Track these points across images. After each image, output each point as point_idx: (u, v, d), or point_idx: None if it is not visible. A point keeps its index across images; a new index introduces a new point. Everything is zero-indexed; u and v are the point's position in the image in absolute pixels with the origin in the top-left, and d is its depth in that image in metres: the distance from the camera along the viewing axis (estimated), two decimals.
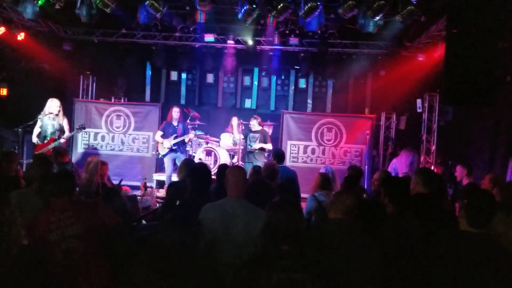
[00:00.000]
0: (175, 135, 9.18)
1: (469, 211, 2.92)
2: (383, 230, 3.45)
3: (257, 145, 8.96)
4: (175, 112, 9.31)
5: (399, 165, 8.68)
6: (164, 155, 9.30)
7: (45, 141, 8.30)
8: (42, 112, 8.36)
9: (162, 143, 9.27)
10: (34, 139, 8.38)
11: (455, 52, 6.60)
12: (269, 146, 9.07)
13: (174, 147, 9.18)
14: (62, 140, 8.37)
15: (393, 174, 8.61)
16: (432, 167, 9.52)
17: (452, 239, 2.97)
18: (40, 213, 3.36)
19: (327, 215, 3.36)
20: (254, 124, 9.10)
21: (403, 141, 10.86)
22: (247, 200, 3.50)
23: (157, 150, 9.70)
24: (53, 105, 8.28)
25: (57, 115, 8.34)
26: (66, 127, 8.56)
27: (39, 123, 8.28)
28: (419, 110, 10.61)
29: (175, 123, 9.28)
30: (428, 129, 10.43)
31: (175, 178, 9.13)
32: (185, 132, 9.29)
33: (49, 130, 8.29)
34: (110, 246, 3.30)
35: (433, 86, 10.18)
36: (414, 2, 6.81)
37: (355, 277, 3.00)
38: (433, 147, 10.24)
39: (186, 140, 9.37)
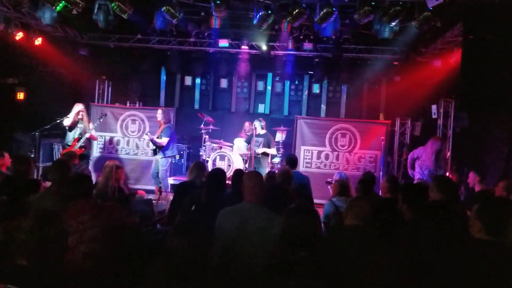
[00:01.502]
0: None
1: (485, 218, 2.88)
2: (400, 236, 3.43)
3: (259, 150, 8.95)
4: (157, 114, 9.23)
5: (424, 153, 8.36)
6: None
7: (70, 145, 8.41)
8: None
9: None
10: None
11: (472, 58, 6.56)
12: (272, 151, 9.07)
13: (152, 148, 9.20)
14: (87, 135, 8.46)
15: (410, 160, 8.48)
16: (447, 174, 9.42)
17: (468, 247, 2.94)
18: (62, 214, 3.39)
19: (344, 221, 3.35)
20: (257, 127, 9.06)
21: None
22: (264, 205, 3.51)
23: None
24: (73, 110, 8.45)
25: (81, 119, 8.44)
26: (90, 131, 8.68)
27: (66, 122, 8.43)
28: (434, 116, 10.52)
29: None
30: (443, 136, 10.32)
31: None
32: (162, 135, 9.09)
33: (77, 133, 8.41)
34: (127, 248, 3.31)
35: (448, 92, 10.10)
36: (430, 8, 6.77)
37: (371, 284, 2.99)
38: (448, 154, 10.14)
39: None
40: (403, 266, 3.11)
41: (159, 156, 9.06)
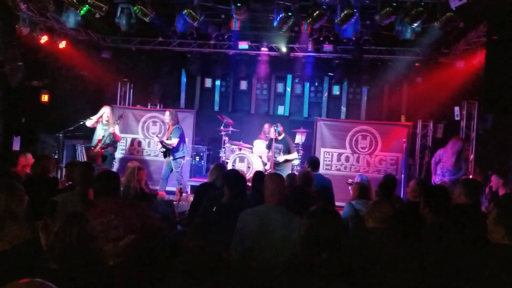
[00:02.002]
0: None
1: (508, 224, 2.82)
2: (423, 239, 3.40)
3: (280, 158, 8.91)
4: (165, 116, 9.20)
5: (445, 154, 8.27)
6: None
7: (93, 146, 8.54)
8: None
9: None
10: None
11: (496, 59, 6.44)
12: (293, 156, 9.02)
13: (162, 150, 9.14)
14: (110, 130, 8.53)
15: (433, 166, 8.41)
16: (471, 177, 9.28)
17: (491, 252, 2.89)
18: (89, 212, 3.42)
19: (365, 224, 3.34)
20: (276, 132, 9.00)
21: None
22: (285, 207, 3.51)
23: None
24: (99, 112, 8.60)
25: (107, 121, 8.55)
26: (116, 132, 8.74)
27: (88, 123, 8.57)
28: (457, 118, 10.38)
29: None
30: (466, 138, 10.17)
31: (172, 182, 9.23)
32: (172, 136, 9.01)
33: (100, 136, 8.51)
34: (151, 249, 3.30)
35: (471, 93, 9.95)
36: (453, 9, 6.67)
37: (392, 286, 2.97)
38: (472, 156, 9.98)
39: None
40: (425, 269, 3.09)
41: (170, 158, 9.08)
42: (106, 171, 3.74)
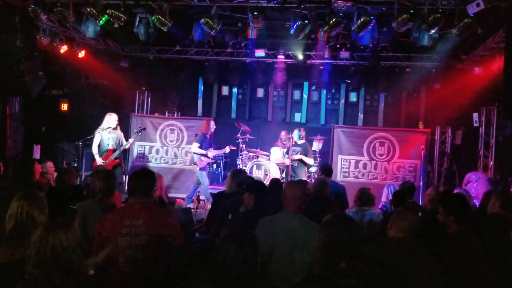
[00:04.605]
0: (211, 148, 9.03)
1: None
2: (446, 249, 3.35)
3: (296, 156, 8.85)
4: (213, 125, 9.16)
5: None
6: (203, 168, 9.07)
7: (104, 155, 8.29)
8: (100, 127, 8.40)
9: (205, 155, 8.96)
10: (95, 151, 8.32)
11: None
12: (309, 160, 8.96)
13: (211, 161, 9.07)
14: (130, 140, 8.47)
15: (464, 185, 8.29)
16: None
17: None
18: (117, 212, 3.40)
19: (387, 233, 3.30)
20: (294, 136, 9.00)
21: (459, 156, 10.55)
22: (307, 214, 3.50)
23: (194, 163, 9.29)
24: (111, 119, 8.42)
25: (115, 128, 8.47)
26: (123, 139, 8.66)
27: (97, 138, 8.32)
28: (475, 124, 10.27)
29: (208, 136, 9.08)
30: (485, 144, 10.07)
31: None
32: (211, 146, 9.04)
33: (110, 143, 8.33)
34: (170, 261, 3.30)
35: (490, 99, 9.86)
36: (471, 15, 6.61)
37: None
38: (491, 163, 9.86)
39: (227, 152, 9.34)
40: (449, 279, 3.04)
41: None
42: (142, 169, 3.58)
